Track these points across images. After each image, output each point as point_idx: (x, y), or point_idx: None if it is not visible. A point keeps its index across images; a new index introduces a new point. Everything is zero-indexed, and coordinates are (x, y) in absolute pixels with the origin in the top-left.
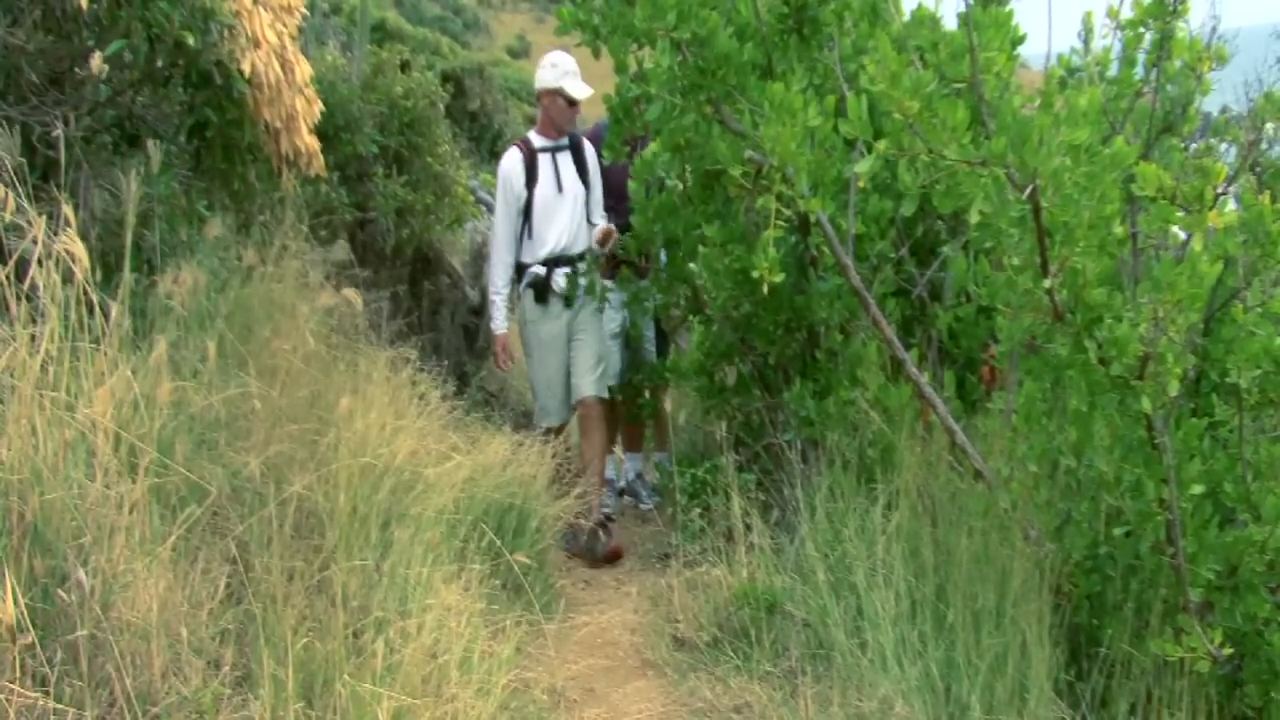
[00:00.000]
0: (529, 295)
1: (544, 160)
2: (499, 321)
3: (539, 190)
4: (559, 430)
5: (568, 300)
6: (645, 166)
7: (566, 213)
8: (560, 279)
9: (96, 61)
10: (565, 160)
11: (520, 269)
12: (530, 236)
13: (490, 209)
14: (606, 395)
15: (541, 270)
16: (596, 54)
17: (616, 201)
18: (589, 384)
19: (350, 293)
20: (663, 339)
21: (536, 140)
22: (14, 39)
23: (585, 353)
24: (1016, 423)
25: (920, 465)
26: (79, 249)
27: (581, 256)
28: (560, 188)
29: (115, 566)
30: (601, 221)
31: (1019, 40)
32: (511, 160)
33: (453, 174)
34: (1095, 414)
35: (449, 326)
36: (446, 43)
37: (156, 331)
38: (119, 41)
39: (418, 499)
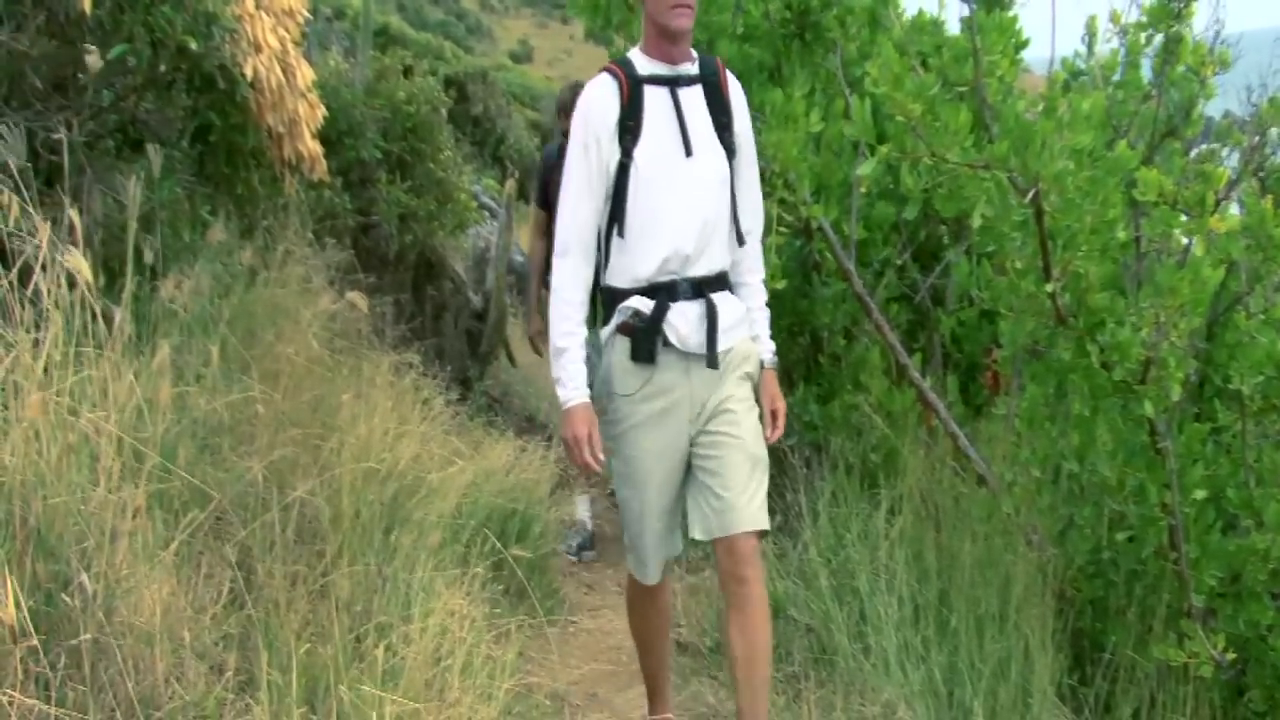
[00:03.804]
0: (620, 348)
1: (656, 97)
2: (573, 384)
3: (646, 149)
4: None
5: (711, 359)
6: None
7: (695, 198)
8: (683, 319)
9: (93, 59)
10: (694, 100)
11: (603, 299)
12: (621, 235)
13: (493, 214)
14: (767, 526)
15: (645, 305)
16: (610, 42)
17: None
18: (746, 509)
19: (355, 296)
20: None
21: (642, 64)
22: (17, 44)
23: (734, 453)
24: (1019, 427)
25: (923, 470)
26: (81, 263)
27: (722, 280)
28: (687, 148)
29: (118, 571)
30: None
31: (1022, 45)
32: (598, 94)
33: (455, 179)
34: (1098, 418)
35: (452, 332)
36: (449, 48)
37: (159, 336)
38: (122, 46)
39: (420, 504)
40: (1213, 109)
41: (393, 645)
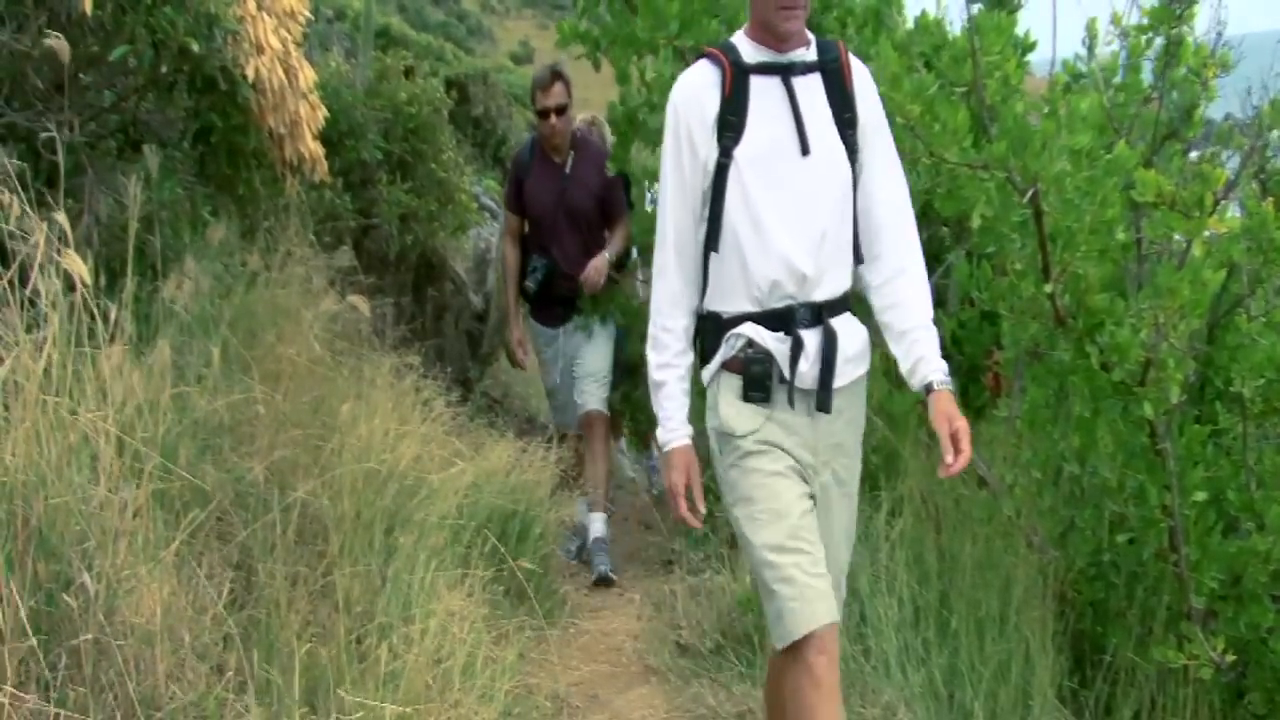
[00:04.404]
0: (728, 387)
1: (765, 88)
2: (672, 423)
3: (750, 147)
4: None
5: (823, 400)
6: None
7: (812, 205)
8: (807, 356)
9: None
10: (812, 91)
11: (709, 327)
12: (717, 250)
13: (494, 215)
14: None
15: (759, 334)
16: (597, 66)
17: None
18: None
19: (357, 299)
20: None
21: (748, 49)
22: (19, 44)
23: (829, 522)
24: (1021, 429)
25: (924, 472)
26: (78, 263)
27: (844, 303)
28: (804, 145)
29: (119, 571)
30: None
31: (1029, 48)
32: (694, 81)
33: (456, 180)
34: (1098, 420)
35: (453, 333)
36: (450, 49)
37: (160, 336)
38: (123, 47)
39: (421, 505)
40: (1214, 111)
41: (393, 646)
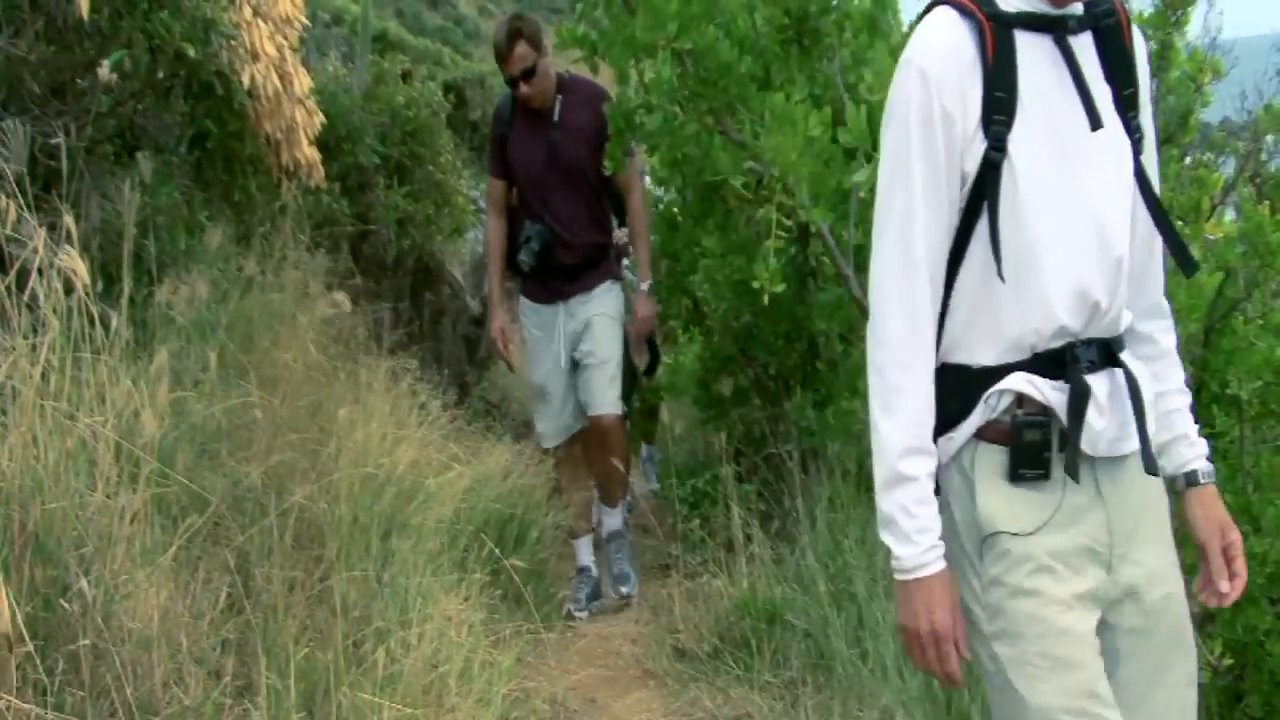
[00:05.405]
0: (988, 465)
1: (1034, 51)
2: (921, 536)
3: (1026, 135)
4: None
5: (1149, 461)
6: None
7: (1107, 209)
8: (1092, 405)
9: (104, 71)
10: (1086, 56)
11: (950, 385)
12: (969, 281)
13: None
14: None
15: (1032, 387)
16: (595, 70)
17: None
18: None
19: (339, 296)
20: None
21: None
22: (15, 50)
23: (1166, 661)
24: None
25: None
26: (77, 263)
27: (1124, 338)
28: (1095, 120)
29: (117, 576)
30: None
31: None
32: (945, 41)
33: (454, 184)
34: None
35: (450, 336)
36: (448, 53)
37: (158, 341)
38: (120, 52)
39: (418, 509)
40: (1209, 115)
41: (391, 650)
